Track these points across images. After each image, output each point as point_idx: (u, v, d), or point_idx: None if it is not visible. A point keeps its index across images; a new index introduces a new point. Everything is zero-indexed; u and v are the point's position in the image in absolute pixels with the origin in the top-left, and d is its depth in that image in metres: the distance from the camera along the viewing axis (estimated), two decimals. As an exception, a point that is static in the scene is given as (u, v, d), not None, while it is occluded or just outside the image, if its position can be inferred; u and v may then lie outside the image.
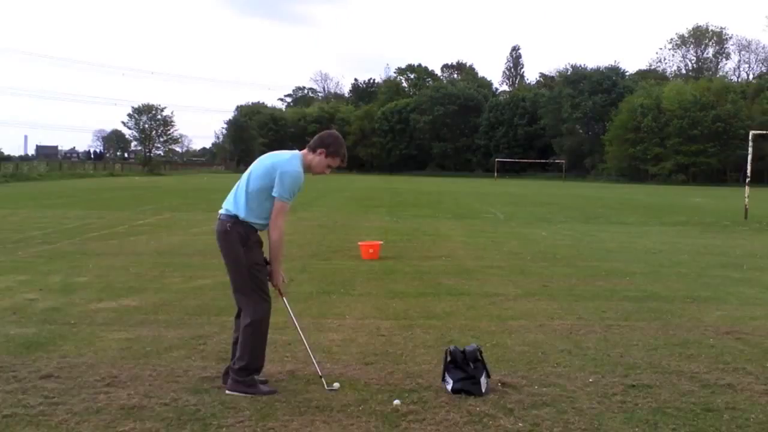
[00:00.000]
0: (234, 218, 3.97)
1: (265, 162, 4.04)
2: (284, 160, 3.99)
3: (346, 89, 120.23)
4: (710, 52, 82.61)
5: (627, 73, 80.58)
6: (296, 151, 4.13)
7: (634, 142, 66.01)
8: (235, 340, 4.13)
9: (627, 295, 7.15)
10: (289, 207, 4.00)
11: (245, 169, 4.20)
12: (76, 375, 4.21)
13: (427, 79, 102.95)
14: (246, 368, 3.96)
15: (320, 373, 4.13)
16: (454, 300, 6.77)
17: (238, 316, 4.14)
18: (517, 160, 78.76)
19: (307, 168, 4.09)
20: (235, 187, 4.09)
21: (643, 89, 70.46)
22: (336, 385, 4.07)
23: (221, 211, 4.07)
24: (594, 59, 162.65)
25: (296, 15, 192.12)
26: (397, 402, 3.81)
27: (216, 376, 4.21)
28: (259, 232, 4.06)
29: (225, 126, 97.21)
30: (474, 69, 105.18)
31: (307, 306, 6.33)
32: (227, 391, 3.95)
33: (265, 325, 4.04)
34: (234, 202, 4.02)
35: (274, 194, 3.93)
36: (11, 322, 5.56)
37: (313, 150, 4.08)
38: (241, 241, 3.95)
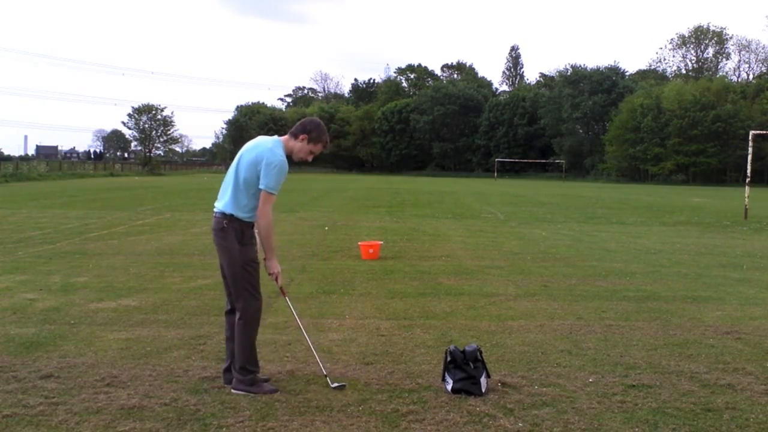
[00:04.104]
0: (230, 216, 3.99)
1: (250, 155, 4.01)
2: (267, 150, 3.98)
3: (346, 89, 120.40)
4: (710, 52, 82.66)
5: (627, 73, 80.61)
6: (277, 138, 4.13)
7: (634, 142, 66.05)
8: (227, 337, 4.16)
9: (627, 295, 7.14)
10: (275, 197, 4.00)
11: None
12: (76, 375, 4.22)
13: (427, 79, 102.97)
14: (244, 367, 3.97)
15: (325, 372, 4.17)
16: (454, 300, 6.77)
17: (228, 313, 4.17)
18: (517, 160, 78.79)
19: (289, 154, 4.10)
20: (224, 182, 4.11)
21: (643, 89, 70.49)
22: (338, 383, 4.09)
23: (216, 209, 4.09)
24: (594, 59, 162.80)
25: (295, 14, 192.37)
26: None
27: (216, 376, 4.21)
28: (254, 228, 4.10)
29: (225, 126, 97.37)
30: (474, 69, 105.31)
31: (307, 306, 6.33)
32: (232, 390, 3.97)
33: (255, 323, 4.05)
34: (226, 201, 4.04)
35: (260, 186, 3.94)
36: (11, 322, 5.56)
37: (295, 136, 4.11)
38: (237, 238, 3.99)
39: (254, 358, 4.05)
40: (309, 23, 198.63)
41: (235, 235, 3.98)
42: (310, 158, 4.19)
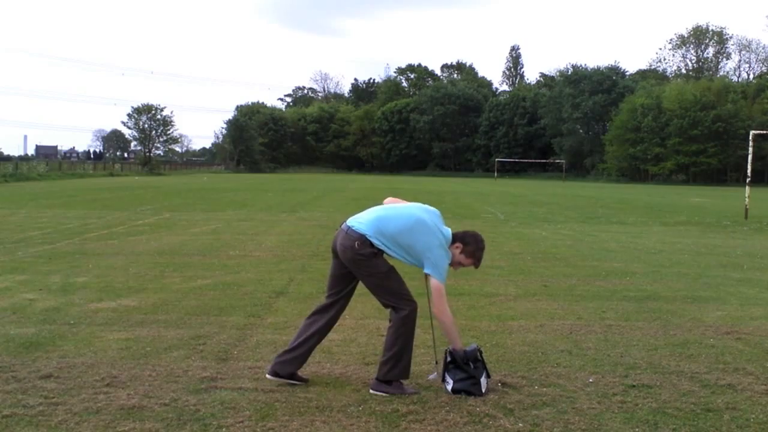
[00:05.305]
0: (363, 239, 3.94)
1: (422, 235, 3.95)
2: (439, 243, 3.96)
3: (346, 89, 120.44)
4: (710, 52, 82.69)
5: (627, 73, 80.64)
6: (449, 231, 4.09)
7: (634, 142, 66.07)
8: (306, 333, 4.15)
9: (627, 295, 7.14)
10: (444, 289, 3.97)
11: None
12: (76, 375, 4.21)
13: (427, 79, 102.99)
14: (393, 359, 3.93)
15: (436, 359, 4.32)
16: (454, 300, 6.75)
17: (315, 312, 4.21)
18: (517, 160, 78.82)
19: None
20: (379, 215, 4.04)
21: (643, 89, 70.50)
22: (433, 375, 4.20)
23: (350, 225, 4.03)
24: (594, 59, 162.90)
25: (295, 14, 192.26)
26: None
27: (215, 376, 4.21)
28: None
29: (225, 126, 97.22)
30: (474, 69, 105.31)
31: (306, 306, 6.31)
32: (371, 390, 3.95)
33: (411, 322, 4.00)
34: (373, 229, 3.97)
35: (427, 270, 3.93)
36: (11, 322, 5.56)
37: (453, 242, 4.08)
38: (371, 256, 3.95)
39: (407, 362, 3.98)
40: (308, 24, 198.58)
41: (371, 251, 3.94)
42: (456, 268, 4.18)
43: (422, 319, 5.90)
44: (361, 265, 3.97)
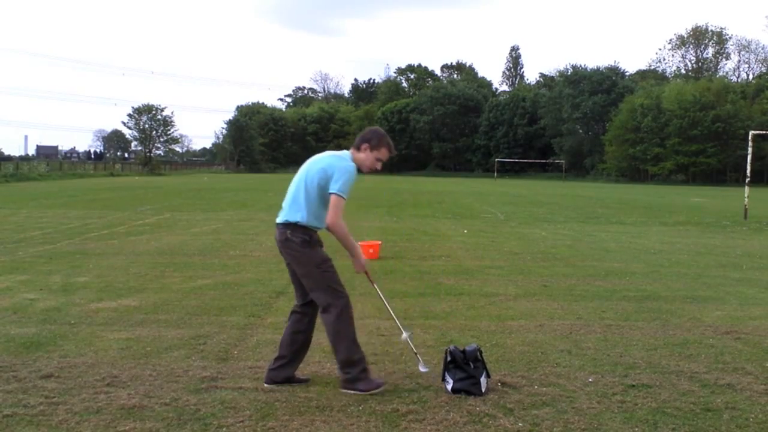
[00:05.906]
0: (292, 225, 4.03)
1: (318, 165, 4.07)
2: (337, 158, 4.08)
3: (346, 89, 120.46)
4: (710, 52, 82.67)
5: (627, 73, 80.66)
6: (345, 151, 4.22)
7: (634, 142, 66.07)
8: (286, 337, 4.20)
9: (627, 295, 7.15)
10: (344, 203, 4.02)
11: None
12: (76, 375, 4.22)
13: (427, 79, 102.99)
14: (346, 361, 3.98)
15: (415, 351, 4.37)
16: (454, 300, 6.77)
17: (293, 312, 4.26)
18: (517, 160, 78.83)
19: (359, 166, 4.16)
20: (289, 193, 4.14)
21: (643, 89, 70.52)
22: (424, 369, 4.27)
23: (279, 221, 4.12)
24: (594, 59, 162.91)
25: (296, 15, 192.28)
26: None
27: (216, 376, 4.21)
28: (318, 232, 4.16)
29: (225, 126, 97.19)
30: (474, 69, 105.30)
31: (307, 306, 6.33)
32: (342, 390, 3.98)
33: (346, 317, 4.05)
34: (291, 210, 4.07)
35: (329, 190, 3.98)
36: (11, 322, 5.56)
37: (357, 148, 4.17)
38: (303, 245, 4.03)
39: (357, 351, 4.04)
40: (310, 25, 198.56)
41: (302, 242, 4.04)
42: (378, 166, 4.23)
43: (422, 318, 5.92)
44: (298, 255, 4.06)
